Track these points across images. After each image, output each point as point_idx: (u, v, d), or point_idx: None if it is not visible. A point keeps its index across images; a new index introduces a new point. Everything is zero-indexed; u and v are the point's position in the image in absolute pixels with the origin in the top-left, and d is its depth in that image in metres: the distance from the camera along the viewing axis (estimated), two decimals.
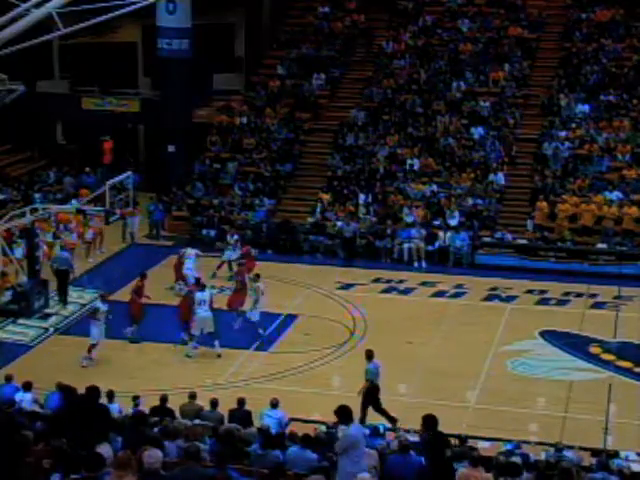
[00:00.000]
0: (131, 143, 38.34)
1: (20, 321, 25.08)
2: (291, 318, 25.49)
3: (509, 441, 16.85)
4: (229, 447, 12.41)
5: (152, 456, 9.71)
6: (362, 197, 32.36)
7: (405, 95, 35.79)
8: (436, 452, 11.44)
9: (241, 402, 16.94)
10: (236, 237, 28.96)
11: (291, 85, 37.10)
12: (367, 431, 15.87)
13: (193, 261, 26.86)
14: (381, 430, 15.49)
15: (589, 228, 30.54)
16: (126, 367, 22.24)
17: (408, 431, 15.45)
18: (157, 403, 16.85)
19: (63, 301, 26.27)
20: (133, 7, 22.03)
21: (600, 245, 29.96)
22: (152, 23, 34.99)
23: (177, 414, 16.46)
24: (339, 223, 30.94)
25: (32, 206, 28.14)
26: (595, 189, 31.43)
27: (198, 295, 23.07)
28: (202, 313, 22.87)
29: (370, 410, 19.24)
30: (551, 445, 16.18)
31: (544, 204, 30.90)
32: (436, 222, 31.22)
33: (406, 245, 30.39)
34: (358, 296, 27.24)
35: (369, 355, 19.61)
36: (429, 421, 11.77)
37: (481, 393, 21.42)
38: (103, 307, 22.65)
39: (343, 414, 11.60)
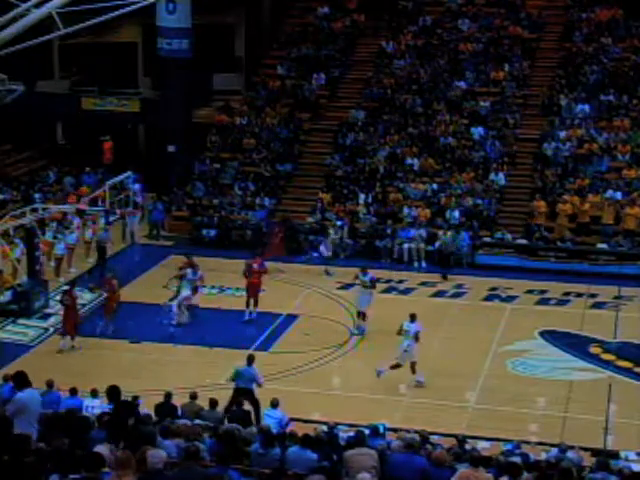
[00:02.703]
0: (131, 143, 38.33)
1: (20, 321, 25.10)
2: (291, 318, 25.50)
3: (509, 441, 16.85)
4: (229, 447, 12.39)
5: (155, 456, 9.72)
6: (362, 197, 32.36)
7: (405, 95, 35.78)
8: (119, 423, 11.38)
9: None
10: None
11: (291, 85, 37.08)
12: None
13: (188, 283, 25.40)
14: (381, 430, 15.44)
15: (589, 227, 30.55)
16: (126, 367, 22.24)
17: (408, 431, 15.43)
18: (156, 405, 16.88)
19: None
20: (133, 7, 22.09)
21: (600, 245, 29.96)
22: (152, 23, 34.95)
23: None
24: (443, 236, 29.95)
25: (32, 206, 28.14)
26: (595, 189, 31.43)
27: (360, 276, 24.50)
28: (362, 295, 24.57)
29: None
30: (552, 445, 16.18)
31: (541, 203, 30.88)
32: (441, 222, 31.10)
33: (406, 245, 30.38)
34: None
35: (250, 361, 19.27)
36: (112, 392, 12.02)
37: (481, 393, 21.43)
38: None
39: (18, 380, 11.73)
